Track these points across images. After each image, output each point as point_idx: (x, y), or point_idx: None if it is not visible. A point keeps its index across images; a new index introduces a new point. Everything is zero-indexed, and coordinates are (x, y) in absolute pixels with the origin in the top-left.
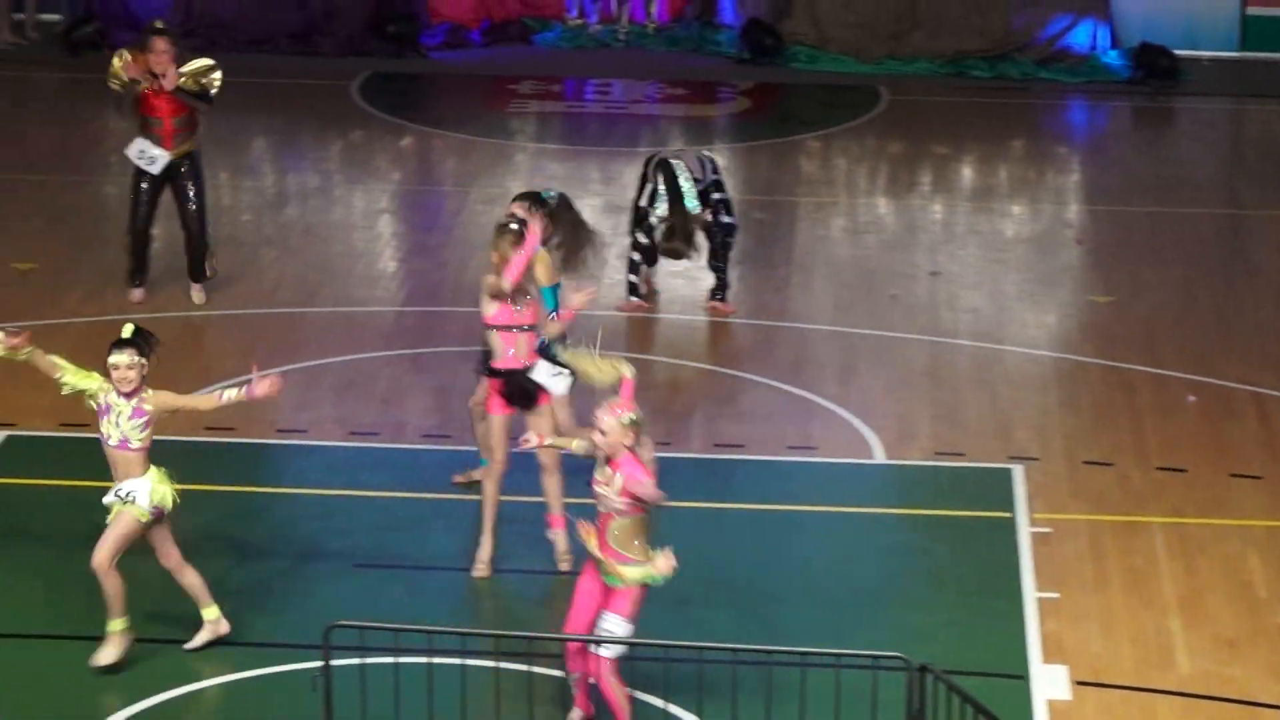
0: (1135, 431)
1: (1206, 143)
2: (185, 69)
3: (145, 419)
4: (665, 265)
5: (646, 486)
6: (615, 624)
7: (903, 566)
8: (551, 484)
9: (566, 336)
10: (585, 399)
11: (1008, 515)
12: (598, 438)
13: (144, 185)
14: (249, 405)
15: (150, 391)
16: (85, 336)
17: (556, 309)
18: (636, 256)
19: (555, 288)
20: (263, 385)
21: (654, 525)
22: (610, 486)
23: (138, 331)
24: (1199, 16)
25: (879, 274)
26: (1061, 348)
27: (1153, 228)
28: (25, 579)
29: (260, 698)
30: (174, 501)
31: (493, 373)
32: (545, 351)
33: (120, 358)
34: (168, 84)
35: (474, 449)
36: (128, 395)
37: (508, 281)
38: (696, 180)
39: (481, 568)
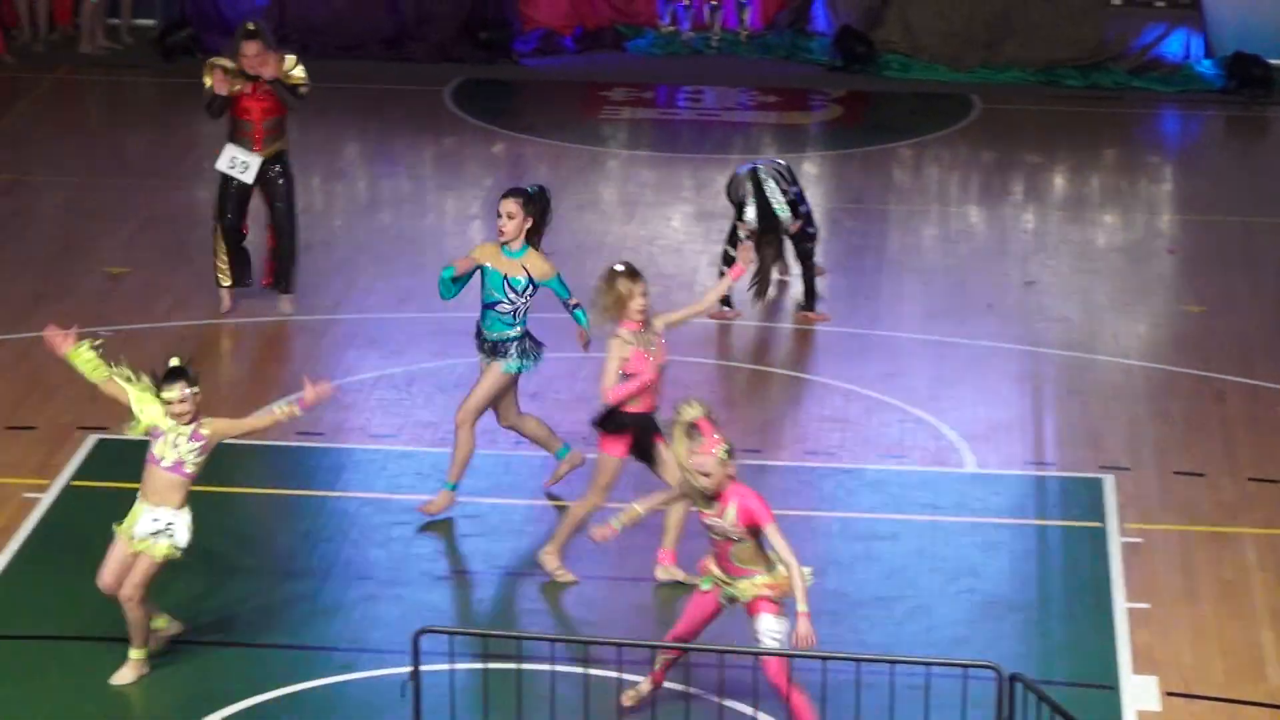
0: (1226, 442)
1: None
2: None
3: (202, 444)
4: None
5: (765, 513)
6: (771, 622)
7: (993, 575)
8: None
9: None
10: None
11: (1098, 525)
12: (702, 481)
13: (233, 186)
14: (313, 412)
15: (208, 419)
16: (174, 343)
17: (570, 296)
18: (727, 268)
19: (559, 276)
20: (312, 392)
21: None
22: (724, 519)
23: (181, 365)
24: None
25: (970, 283)
26: (1153, 357)
27: (1245, 238)
28: None
29: (350, 703)
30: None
31: (624, 419)
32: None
33: (172, 393)
34: (267, 74)
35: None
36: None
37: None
38: (784, 190)
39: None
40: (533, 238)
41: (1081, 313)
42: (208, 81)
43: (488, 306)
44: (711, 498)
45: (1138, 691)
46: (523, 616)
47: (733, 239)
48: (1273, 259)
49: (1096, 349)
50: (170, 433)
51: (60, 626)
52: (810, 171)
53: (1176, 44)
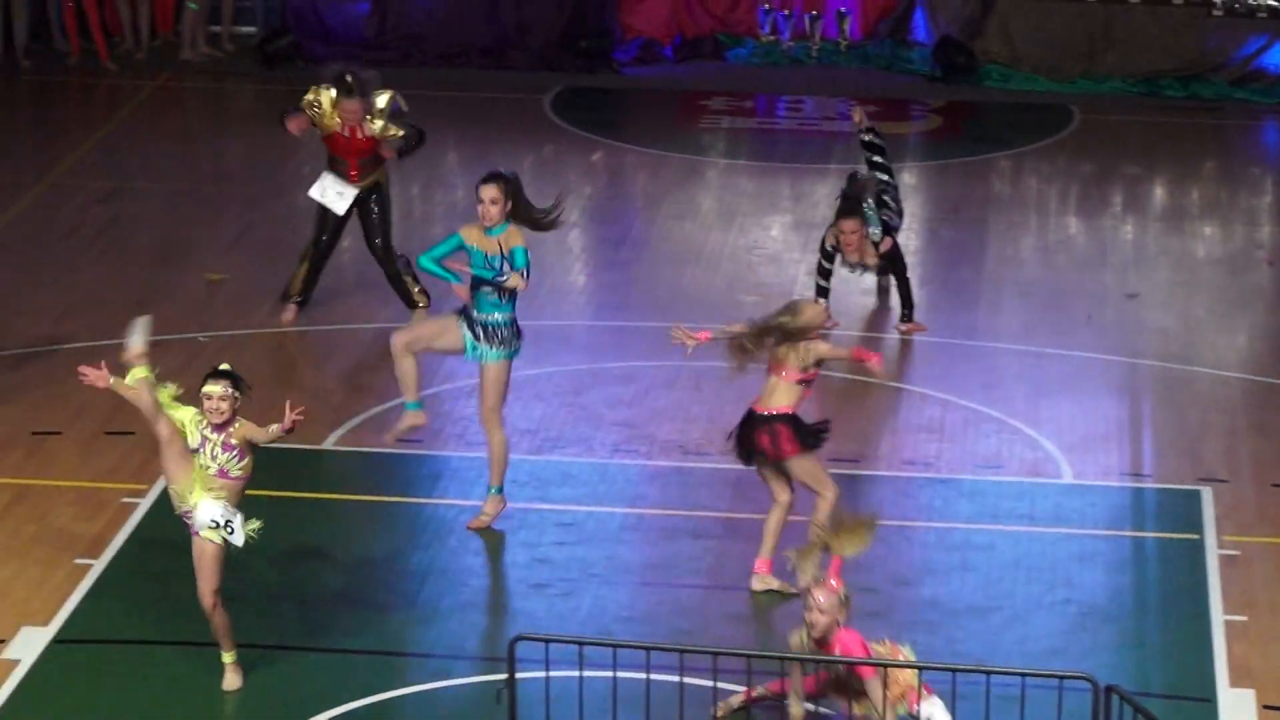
0: None
1: None
2: (373, 116)
3: (235, 451)
4: (856, 283)
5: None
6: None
7: (1090, 586)
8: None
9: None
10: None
11: (1195, 537)
12: (815, 617)
13: (330, 212)
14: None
15: (238, 423)
16: (269, 349)
17: (522, 267)
18: (823, 281)
19: (525, 250)
20: (289, 418)
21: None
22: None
23: (230, 370)
24: None
25: (1068, 294)
26: (1251, 369)
27: None
28: (237, 587)
29: (445, 710)
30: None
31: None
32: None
33: (214, 388)
34: (361, 136)
35: (662, 464)
36: (218, 428)
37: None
38: (882, 206)
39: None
40: (517, 217)
41: (1180, 324)
42: (307, 97)
43: (475, 288)
44: (817, 643)
45: (1234, 705)
46: (617, 624)
47: (824, 251)
48: None
49: (1194, 361)
50: (208, 444)
51: (158, 632)
52: (909, 182)
53: (1278, 55)
